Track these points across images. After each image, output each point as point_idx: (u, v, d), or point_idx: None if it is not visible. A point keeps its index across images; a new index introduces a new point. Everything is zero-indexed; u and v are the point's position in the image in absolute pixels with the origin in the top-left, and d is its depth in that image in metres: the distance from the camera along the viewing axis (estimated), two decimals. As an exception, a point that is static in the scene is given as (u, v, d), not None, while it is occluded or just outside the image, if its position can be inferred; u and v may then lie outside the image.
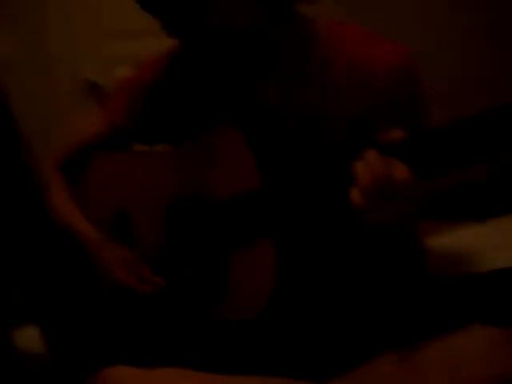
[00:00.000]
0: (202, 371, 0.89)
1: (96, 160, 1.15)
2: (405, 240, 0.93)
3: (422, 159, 0.76)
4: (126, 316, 1.08)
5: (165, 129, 1.11)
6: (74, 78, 2.44)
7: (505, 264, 1.17)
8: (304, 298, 0.99)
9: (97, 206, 1.13)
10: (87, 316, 1.03)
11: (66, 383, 0.99)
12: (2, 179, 0.82)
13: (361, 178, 0.76)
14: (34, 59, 2.32)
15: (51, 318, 0.98)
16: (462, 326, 0.86)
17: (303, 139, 0.96)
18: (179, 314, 1.03)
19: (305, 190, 0.88)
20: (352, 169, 0.78)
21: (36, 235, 0.92)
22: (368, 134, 0.87)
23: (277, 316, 0.92)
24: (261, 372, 0.90)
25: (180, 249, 1.03)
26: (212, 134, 0.98)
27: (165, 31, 0.92)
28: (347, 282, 1.00)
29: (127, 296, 1.05)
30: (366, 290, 1.00)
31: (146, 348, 1.04)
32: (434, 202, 1.15)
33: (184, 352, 1.00)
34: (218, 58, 0.95)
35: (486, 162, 0.72)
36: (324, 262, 0.99)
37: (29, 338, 1.08)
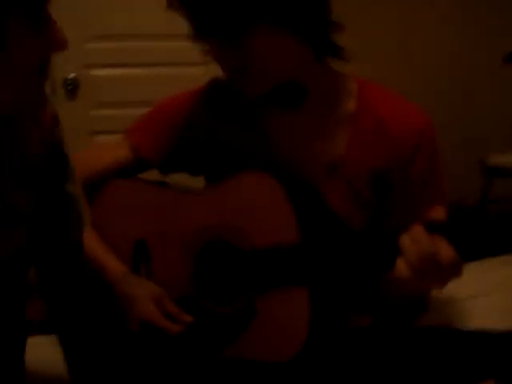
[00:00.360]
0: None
1: (114, 185, 1.13)
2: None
3: (466, 240, 0.83)
4: (149, 351, 1.06)
5: (191, 165, 1.14)
6: (52, 79, 2.40)
7: (481, 311, 1.21)
8: (334, 344, 1.03)
9: (114, 233, 1.11)
10: (112, 350, 1.00)
11: None
12: (48, 212, 0.83)
13: (408, 253, 0.84)
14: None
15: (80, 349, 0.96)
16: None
17: (329, 186, 1.04)
18: (202, 352, 1.03)
19: (343, 248, 0.94)
20: (400, 241, 0.85)
21: (71, 267, 0.92)
22: (389, 189, 1.02)
23: (307, 360, 0.96)
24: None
25: (207, 289, 1.04)
26: (247, 180, 1.01)
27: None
28: (376, 333, 1.07)
29: (152, 332, 1.03)
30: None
31: None
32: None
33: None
34: (254, 101, 1.05)
35: None
36: (354, 309, 1.07)
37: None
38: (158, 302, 1.02)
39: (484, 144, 2.97)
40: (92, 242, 1.06)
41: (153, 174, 1.18)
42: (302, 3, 0.94)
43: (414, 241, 0.83)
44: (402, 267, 0.84)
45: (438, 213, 0.85)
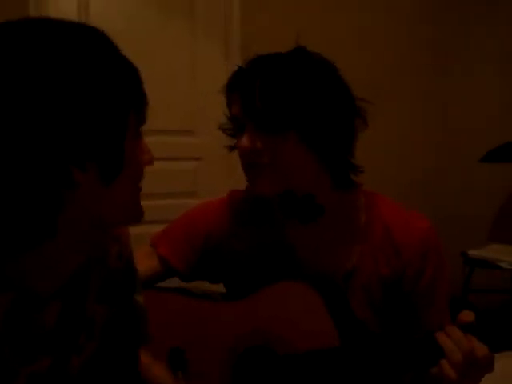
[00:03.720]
0: None
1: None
2: None
3: (496, 337, 0.92)
4: None
5: (213, 273, 1.19)
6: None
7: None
8: None
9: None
10: None
11: None
12: (119, 323, 0.83)
13: (453, 354, 0.90)
14: None
15: None
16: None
17: (348, 293, 1.09)
18: None
19: (384, 351, 0.98)
20: (440, 343, 0.92)
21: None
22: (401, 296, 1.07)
23: None
24: None
25: None
26: (285, 289, 1.06)
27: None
28: None
29: None
30: None
31: None
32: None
33: None
34: (276, 214, 1.13)
35: None
36: None
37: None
38: None
39: (464, 238, 3.07)
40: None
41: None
42: (333, 132, 1.02)
43: (456, 342, 0.90)
44: (447, 368, 0.90)
45: (468, 315, 0.93)
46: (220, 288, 1.22)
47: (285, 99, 0.99)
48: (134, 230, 0.84)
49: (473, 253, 2.97)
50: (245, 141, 1.04)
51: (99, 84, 0.64)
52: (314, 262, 1.10)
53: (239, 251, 1.15)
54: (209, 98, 3.06)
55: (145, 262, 1.16)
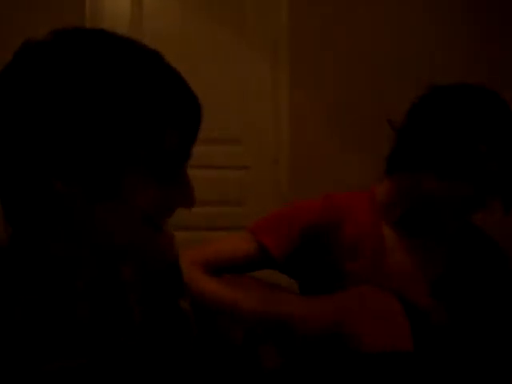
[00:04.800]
0: None
1: (242, 280, 1.20)
2: None
3: None
4: None
5: (300, 268, 1.23)
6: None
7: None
8: None
9: None
10: None
11: None
12: (164, 328, 0.83)
13: None
14: None
15: None
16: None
17: None
18: None
19: (457, 367, 1.02)
20: None
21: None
22: None
23: None
24: None
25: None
26: (368, 292, 1.09)
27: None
28: None
29: None
30: None
31: None
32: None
33: None
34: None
35: None
36: None
37: None
38: None
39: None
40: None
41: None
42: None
43: None
44: None
45: None
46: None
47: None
48: (184, 236, 0.86)
49: None
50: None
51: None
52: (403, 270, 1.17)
53: (337, 252, 1.20)
54: (256, 106, 3.12)
55: (242, 245, 1.21)
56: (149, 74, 0.68)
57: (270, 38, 3.10)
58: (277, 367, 1.08)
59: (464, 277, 1.18)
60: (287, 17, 3.08)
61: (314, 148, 3.13)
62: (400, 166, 1.19)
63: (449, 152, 1.09)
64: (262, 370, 1.06)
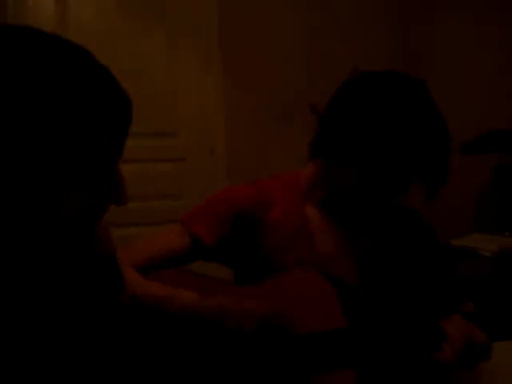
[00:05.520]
0: None
1: (166, 274, 1.20)
2: None
3: (493, 325, 1.00)
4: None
5: (231, 256, 1.25)
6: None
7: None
8: None
9: None
10: None
11: None
12: (103, 324, 0.83)
13: (454, 338, 0.98)
14: None
15: None
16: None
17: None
18: None
19: (390, 334, 1.04)
20: (444, 328, 0.99)
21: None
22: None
23: None
24: None
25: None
26: (298, 276, 1.12)
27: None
28: None
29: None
30: None
31: None
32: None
33: None
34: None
35: None
36: None
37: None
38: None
39: (445, 228, 3.13)
40: (161, 288, 1.13)
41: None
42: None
43: (458, 327, 0.98)
44: (448, 352, 0.97)
45: (468, 306, 1.03)
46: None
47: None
48: (120, 232, 0.85)
49: (455, 243, 3.02)
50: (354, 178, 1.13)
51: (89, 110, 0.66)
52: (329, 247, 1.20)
53: (263, 235, 1.22)
54: (190, 98, 3.10)
55: (176, 240, 1.22)
56: (80, 73, 0.67)
57: (198, 26, 3.08)
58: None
59: (390, 249, 1.21)
60: (216, 2, 3.07)
61: (249, 136, 3.14)
62: (316, 152, 1.20)
63: (357, 140, 1.07)
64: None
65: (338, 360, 1.04)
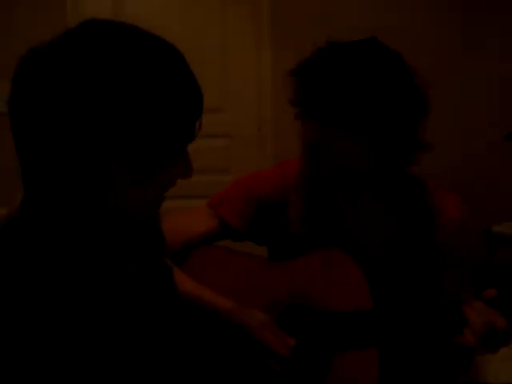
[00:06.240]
0: None
1: (204, 252, 1.28)
2: None
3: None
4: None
5: (263, 235, 1.30)
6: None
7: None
8: None
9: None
10: None
11: None
12: (149, 283, 0.91)
13: (475, 323, 1.01)
14: None
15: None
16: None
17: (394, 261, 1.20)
18: None
19: (414, 316, 1.09)
20: (465, 313, 1.03)
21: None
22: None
23: None
24: None
25: None
26: (325, 256, 1.17)
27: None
28: None
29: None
30: None
31: None
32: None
33: None
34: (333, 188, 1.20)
35: None
36: (420, 372, 1.19)
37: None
38: (268, 327, 1.15)
39: (487, 214, 3.13)
40: (194, 287, 1.20)
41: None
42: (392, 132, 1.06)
43: (479, 313, 1.01)
44: (469, 336, 1.01)
45: (491, 292, 1.03)
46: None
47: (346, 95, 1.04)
48: (168, 204, 0.93)
49: (495, 229, 3.03)
50: (304, 131, 1.12)
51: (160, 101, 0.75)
52: (359, 232, 1.21)
53: (290, 218, 1.25)
54: (239, 74, 3.16)
55: (206, 223, 1.28)
56: (168, 71, 0.77)
57: (250, 3, 3.14)
58: None
59: (412, 236, 1.20)
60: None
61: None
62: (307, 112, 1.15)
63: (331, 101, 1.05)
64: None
65: (362, 339, 1.09)
